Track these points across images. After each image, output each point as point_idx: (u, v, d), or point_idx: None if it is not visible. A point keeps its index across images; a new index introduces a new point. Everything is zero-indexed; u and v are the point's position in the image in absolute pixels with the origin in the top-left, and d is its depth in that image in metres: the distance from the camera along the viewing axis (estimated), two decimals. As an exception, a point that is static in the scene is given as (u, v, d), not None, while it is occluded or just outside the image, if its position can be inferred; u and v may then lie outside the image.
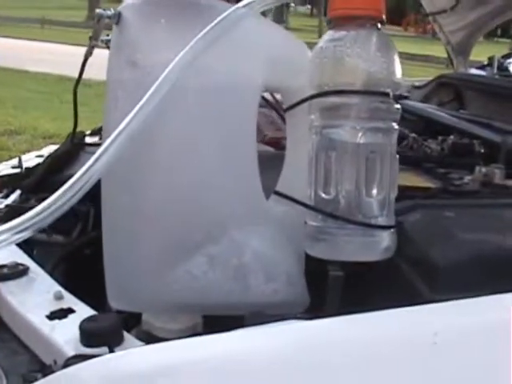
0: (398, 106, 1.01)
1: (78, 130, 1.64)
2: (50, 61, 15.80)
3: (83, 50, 1.20)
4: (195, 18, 1.02)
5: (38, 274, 1.13)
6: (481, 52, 3.61)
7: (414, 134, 1.70)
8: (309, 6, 59.76)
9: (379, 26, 1.01)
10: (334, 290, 1.01)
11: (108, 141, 0.90)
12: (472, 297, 0.84)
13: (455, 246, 0.99)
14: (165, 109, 0.93)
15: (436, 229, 1.05)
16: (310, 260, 1.04)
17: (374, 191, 0.98)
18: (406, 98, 2.61)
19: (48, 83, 12.80)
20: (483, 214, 1.12)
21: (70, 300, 1.03)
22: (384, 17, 1.02)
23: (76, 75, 1.29)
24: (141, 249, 1.01)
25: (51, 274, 1.15)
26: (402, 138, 1.78)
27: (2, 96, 10.14)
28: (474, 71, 2.99)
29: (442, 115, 2.00)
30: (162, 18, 1.03)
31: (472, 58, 3.02)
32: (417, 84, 2.92)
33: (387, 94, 0.98)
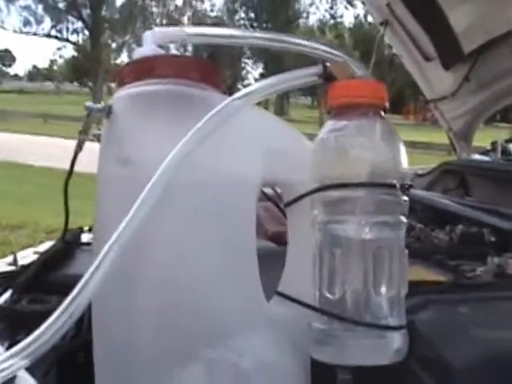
0: (406, 197, 0.95)
1: (81, 224, 1.60)
2: (53, 155, 15.97)
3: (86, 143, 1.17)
4: (188, 110, 0.98)
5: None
6: (481, 137, 3.59)
7: (420, 225, 1.65)
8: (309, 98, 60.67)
9: (382, 114, 0.96)
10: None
11: (99, 258, 0.83)
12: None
13: (471, 346, 0.92)
14: (158, 212, 0.88)
15: (450, 327, 0.98)
16: (316, 361, 0.97)
17: (383, 289, 0.91)
18: (410, 186, 2.59)
19: (51, 177, 12.88)
20: (499, 309, 1.05)
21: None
22: (387, 104, 0.97)
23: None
24: (134, 358, 0.94)
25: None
26: (408, 228, 1.74)
27: (5, 190, 10.18)
28: (477, 157, 2.97)
29: (449, 203, 1.95)
30: (154, 112, 0.98)
31: (473, 143, 3.00)
32: (420, 172, 2.90)
33: (394, 186, 0.93)
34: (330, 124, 0.96)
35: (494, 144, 2.82)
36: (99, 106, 1.02)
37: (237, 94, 0.97)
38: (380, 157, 0.92)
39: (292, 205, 1.04)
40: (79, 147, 1.10)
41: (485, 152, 2.94)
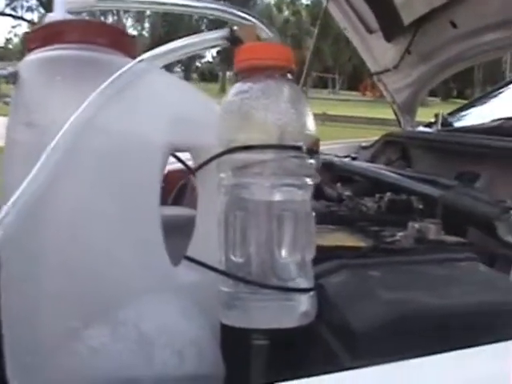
0: (312, 160, 0.95)
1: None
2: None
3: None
4: (94, 75, 0.96)
5: None
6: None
7: (348, 193, 1.66)
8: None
9: (289, 76, 0.95)
10: (258, 359, 0.93)
11: (1, 214, 0.85)
12: (396, 360, 0.77)
13: (374, 308, 0.92)
14: (58, 174, 0.87)
15: (356, 290, 0.98)
16: (231, 328, 0.96)
17: (288, 252, 0.91)
18: (354, 158, 2.61)
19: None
20: (410, 272, 1.05)
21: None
22: (294, 66, 0.96)
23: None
24: (40, 323, 0.93)
25: None
26: (338, 197, 1.75)
27: None
28: (420, 129, 2.98)
29: (383, 173, 1.97)
30: (59, 76, 0.97)
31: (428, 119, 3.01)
32: (364, 144, 2.91)
33: (299, 148, 0.92)
34: (236, 87, 0.94)
35: (436, 116, 2.83)
36: (4, 71, 1.00)
37: (141, 57, 0.96)
38: (285, 119, 0.91)
39: (201, 169, 1.03)
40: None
41: (428, 124, 2.95)
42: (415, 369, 0.78)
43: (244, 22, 1.03)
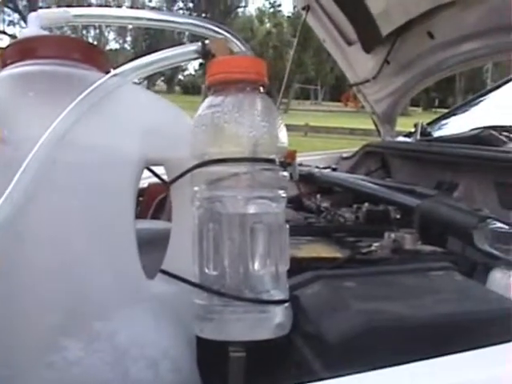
0: (285, 173, 0.95)
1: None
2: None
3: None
4: (67, 90, 0.97)
5: None
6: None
7: (326, 204, 1.66)
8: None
9: (261, 89, 0.96)
10: (235, 372, 0.93)
11: None
12: (368, 371, 0.77)
13: (348, 319, 0.92)
14: (34, 189, 0.87)
15: (331, 301, 0.98)
16: (208, 341, 0.96)
17: (262, 264, 0.91)
18: (334, 169, 2.62)
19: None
20: (384, 283, 1.06)
21: None
22: (266, 80, 0.97)
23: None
24: (17, 335, 0.93)
25: None
26: (316, 208, 1.75)
27: None
28: (399, 139, 3.01)
29: (361, 184, 1.98)
30: (32, 92, 0.97)
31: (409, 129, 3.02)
32: (345, 155, 2.93)
33: (272, 161, 0.93)
34: (208, 100, 0.95)
35: (415, 126, 2.86)
36: (-22, 86, 1.00)
37: (114, 71, 0.96)
38: (257, 132, 0.91)
39: (175, 183, 1.04)
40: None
41: (407, 134, 2.97)
42: (389, 379, 0.79)
43: (217, 35, 1.04)
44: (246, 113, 0.92)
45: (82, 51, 1.05)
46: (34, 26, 1.07)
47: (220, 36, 1.03)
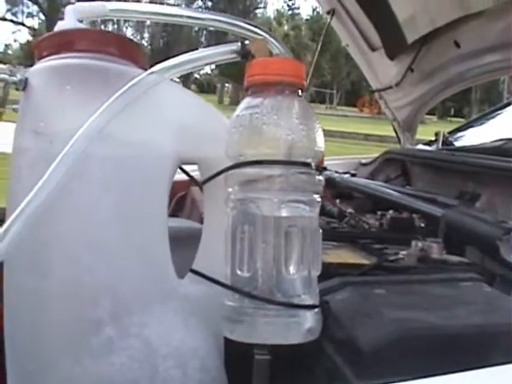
0: (321, 177, 0.95)
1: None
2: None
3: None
4: (103, 84, 0.97)
5: None
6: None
7: (350, 210, 1.65)
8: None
9: (300, 93, 0.95)
10: (260, 374, 0.93)
11: (8, 221, 0.84)
12: (400, 380, 0.76)
13: (381, 327, 0.91)
14: (68, 182, 0.87)
15: (362, 308, 0.98)
16: (234, 342, 0.96)
17: (295, 268, 0.90)
18: (353, 175, 2.61)
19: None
20: (413, 291, 1.05)
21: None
22: (305, 83, 0.96)
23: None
24: (45, 330, 0.93)
25: None
26: (341, 214, 1.74)
27: None
28: (420, 147, 2.99)
29: (384, 191, 1.97)
30: (68, 85, 0.97)
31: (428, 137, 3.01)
32: (364, 161, 2.91)
33: (308, 165, 0.92)
34: (246, 101, 0.94)
35: (437, 134, 2.84)
36: (15, 78, 1.00)
37: (152, 69, 0.96)
38: (295, 135, 0.91)
39: (208, 182, 1.03)
40: (-3, 118, 1.09)
41: (428, 142, 2.95)
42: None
43: (254, 35, 1.03)
44: (285, 115, 0.91)
45: (120, 46, 1.04)
46: (70, 19, 1.06)
47: (259, 37, 1.03)
